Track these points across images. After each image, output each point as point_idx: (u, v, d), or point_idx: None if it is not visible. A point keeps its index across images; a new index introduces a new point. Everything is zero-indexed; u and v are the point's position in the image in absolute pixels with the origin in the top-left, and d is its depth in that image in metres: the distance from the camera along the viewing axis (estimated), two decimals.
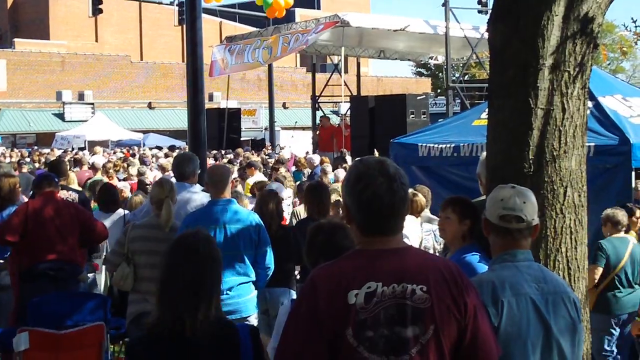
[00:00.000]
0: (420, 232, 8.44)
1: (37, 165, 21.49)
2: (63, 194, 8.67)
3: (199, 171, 7.93)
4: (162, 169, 16.75)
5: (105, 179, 14.47)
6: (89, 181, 14.41)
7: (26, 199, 9.29)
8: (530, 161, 4.38)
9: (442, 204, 4.99)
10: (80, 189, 11.41)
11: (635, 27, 6.71)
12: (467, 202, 4.83)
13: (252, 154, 22.22)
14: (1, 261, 8.05)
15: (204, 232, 3.63)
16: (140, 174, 15.11)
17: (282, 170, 15.71)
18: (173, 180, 7.46)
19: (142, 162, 19.96)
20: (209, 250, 3.47)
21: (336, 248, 3.97)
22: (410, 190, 8.30)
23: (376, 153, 13.65)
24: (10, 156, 26.92)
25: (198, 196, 7.48)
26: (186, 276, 3.37)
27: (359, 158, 3.15)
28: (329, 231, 4.23)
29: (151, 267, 6.41)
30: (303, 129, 28.15)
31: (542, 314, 3.57)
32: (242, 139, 28.60)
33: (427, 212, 8.83)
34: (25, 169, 17.73)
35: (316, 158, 17.66)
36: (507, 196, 3.68)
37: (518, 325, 3.53)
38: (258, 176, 14.04)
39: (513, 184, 3.84)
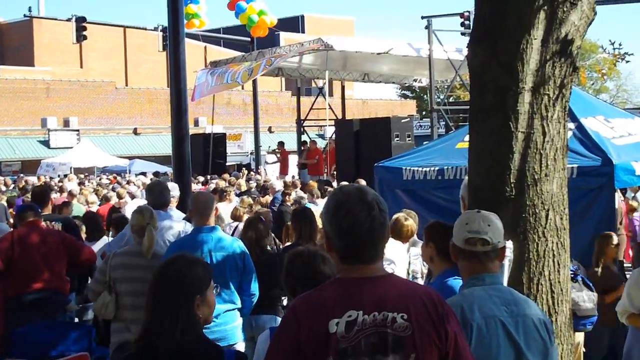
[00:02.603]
0: (407, 256, 8.40)
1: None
2: (47, 224, 8.62)
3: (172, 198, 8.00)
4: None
5: (81, 206, 14.44)
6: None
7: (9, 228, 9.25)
8: (512, 184, 4.38)
9: None
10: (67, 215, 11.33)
11: (614, 49, 6.77)
12: (430, 226, 4.77)
13: (238, 177, 22.19)
14: None
15: (187, 257, 3.63)
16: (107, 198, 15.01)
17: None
18: None
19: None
20: (173, 271, 3.48)
21: (314, 275, 3.95)
22: (402, 215, 8.29)
23: (362, 181, 13.53)
24: None
25: (175, 224, 7.50)
26: (155, 298, 3.44)
27: (338, 186, 3.15)
28: (307, 258, 4.18)
29: (133, 295, 6.37)
30: (289, 152, 28.06)
31: (512, 336, 3.61)
32: (228, 163, 28.53)
33: (414, 237, 8.80)
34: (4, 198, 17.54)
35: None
36: (471, 220, 3.72)
37: (488, 347, 3.57)
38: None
39: (494, 207, 3.85)
